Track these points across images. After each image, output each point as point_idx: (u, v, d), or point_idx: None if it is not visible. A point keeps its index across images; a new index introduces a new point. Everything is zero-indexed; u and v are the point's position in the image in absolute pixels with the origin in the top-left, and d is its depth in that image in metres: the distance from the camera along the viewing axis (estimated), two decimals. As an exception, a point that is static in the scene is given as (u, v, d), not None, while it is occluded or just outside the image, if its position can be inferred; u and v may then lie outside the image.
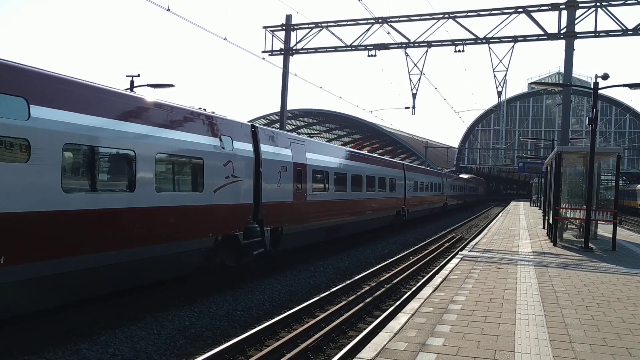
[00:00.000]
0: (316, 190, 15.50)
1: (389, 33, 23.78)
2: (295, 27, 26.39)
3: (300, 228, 14.47)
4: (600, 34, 21.86)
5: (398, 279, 13.41)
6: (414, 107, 26.04)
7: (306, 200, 14.74)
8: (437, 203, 38.09)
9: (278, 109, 29.12)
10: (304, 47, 26.34)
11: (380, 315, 9.88)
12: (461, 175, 60.25)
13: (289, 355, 7.41)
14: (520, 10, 22.72)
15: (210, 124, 10.81)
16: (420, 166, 40.69)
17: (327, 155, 16.88)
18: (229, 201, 11.08)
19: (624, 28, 21.53)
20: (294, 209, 14.06)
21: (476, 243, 16.49)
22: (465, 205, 56.94)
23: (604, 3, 21.46)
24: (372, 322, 9.32)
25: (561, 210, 16.89)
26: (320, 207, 15.87)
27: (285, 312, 9.87)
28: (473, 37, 23.39)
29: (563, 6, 21.99)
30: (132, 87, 19.96)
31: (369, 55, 25.28)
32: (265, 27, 26.84)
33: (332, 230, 17.30)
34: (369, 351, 5.63)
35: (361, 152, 22.60)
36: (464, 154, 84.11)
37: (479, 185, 72.16)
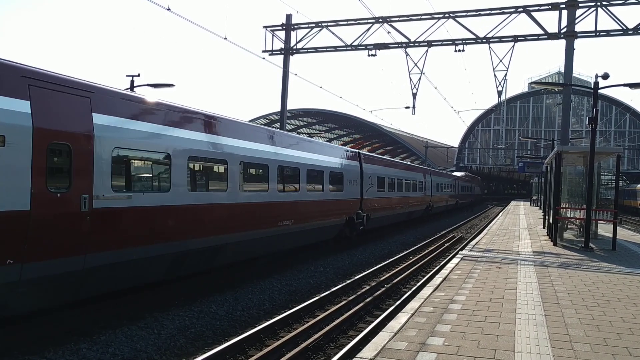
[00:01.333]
0: (134, 188, 8.51)
1: (389, 33, 23.80)
2: (296, 26, 26.38)
3: (64, 265, 7.28)
4: (601, 33, 21.85)
5: (398, 278, 13.41)
6: (414, 106, 26.05)
7: (88, 209, 7.57)
8: (416, 205, 30.47)
9: (278, 109, 29.12)
10: (304, 47, 26.33)
11: (380, 315, 9.88)
12: (454, 173, 54.17)
13: (289, 355, 7.41)
14: (521, 9, 22.71)
15: None
16: (393, 159, 32.31)
17: (173, 125, 9.52)
18: None
19: (624, 28, 21.52)
20: (40, 228, 6.90)
21: (476, 243, 16.49)
22: (457, 207, 50.20)
23: (604, 2, 21.45)
24: (372, 322, 9.32)
25: (561, 209, 16.89)
26: (138, 219, 8.57)
27: (285, 311, 9.88)
28: (473, 36, 23.38)
29: (563, 6, 21.98)
30: (132, 87, 19.95)
31: (369, 55, 25.29)
32: (265, 27, 26.84)
33: (187, 258, 9.83)
34: (369, 351, 5.63)
35: (270, 128, 14.22)
36: (464, 154, 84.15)
37: (475, 184, 66.01)
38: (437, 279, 9.71)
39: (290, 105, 29.03)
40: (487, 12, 23.34)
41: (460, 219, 40.11)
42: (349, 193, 18.42)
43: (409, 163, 33.79)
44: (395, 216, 25.91)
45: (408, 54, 24.77)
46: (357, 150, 20.66)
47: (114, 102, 8.32)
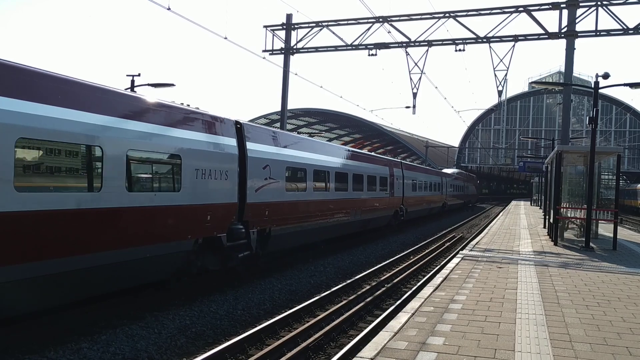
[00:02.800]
0: None
1: (389, 32, 23.80)
2: (296, 26, 26.39)
3: None
4: (601, 33, 21.85)
5: (398, 278, 13.42)
6: (414, 106, 26.05)
7: None
8: (376, 211, 21.88)
9: (279, 109, 29.13)
10: (305, 47, 26.34)
11: (380, 315, 9.88)
12: (444, 170, 46.18)
13: (289, 355, 7.41)
14: (521, 9, 22.70)
15: None
16: (328, 142, 21.46)
17: None
18: None
19: (625, 27, 21.52)
20: None
21: (477, 242, 16.49)
22: (444, 211, 41.77)
23: (604, 2, 21.44)
24: (373, 322, 9.32)
25: (562, 209, 16.89)
26: None
27: (285, 311, 9.89)
28: (474, 36, 23.38)
29: (564, 5, 21.99)
30: (132, 87, 19.97)
31: (369, 55, 25.30)
32: (265, 27, 26.85)
33: None
34: (369, 350, 5.63)
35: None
36: (465, 154, 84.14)
37: (469, 183, 57.82)
38: (438, 279, 9.71)
39: (290, 105, 29.04)
40: (488, 11, 23.34)
41: (461, 218, 40.10)
42: (201, 195, 10.18)
43: (365, 152, 23.13)
44: (328, 229, 16.92)
45: (408, 54, 24.78)
46: (229, 119, 11.54)
47: None
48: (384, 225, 24.47)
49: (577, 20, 21.91)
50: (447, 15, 23.66)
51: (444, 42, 24.13)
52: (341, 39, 25.44)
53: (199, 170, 10.16)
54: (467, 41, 23.55)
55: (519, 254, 13.67)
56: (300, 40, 26.37)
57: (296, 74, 24.38)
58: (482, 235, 19.25)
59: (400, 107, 42.03)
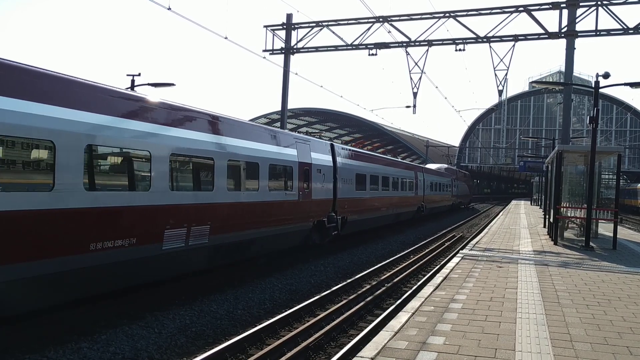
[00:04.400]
0: None
1: (389, 32, 23.80)
2: (296, 26, 26.38)
3: None
4: (601, 32, 21.84)
5: (399, 277, 13.41)
6: (414, 106, 26.02)
7: None
8: (275, 224, 13.31)
9: (279, 108, 29.12)
10: (305, 46, 26.33)
11: (381, 314, 9.88)
12: (428, 165, 39.63)
13: (289, 354, 7.41)
14: (521, 9, 22.69)
15: None
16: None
17: None
18: None
19: (625, 27, 21.50)
20: None
21: (477, 242, 16.49)
22: (421, 216, 32.46)
23: (604, 2, 21.43)
24: (373, 321, 9.32)
25: (562, 209, 16.89)
26: None
27: (286, 310, 9.88)
28: (474, 36, 23.37)
29: (564, 5, 21.98)
30: (132, 86, 19.97)
31: (369, 54, 25.30)
32: (266, 26, 26.85)
33: None
34: (369, 350, 5.63)
35: None
36: (465, 153, 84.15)
37: (460, 181, 49.48)
38: (438, 278, 9.71)
39: (291, 105, 29.03)
40: (488, 11, 23.32)
41: (461, 218, 40.10)
42: None
43: (230, 117, 11.81)
44: (110, 269, 8.18)
45: (409, 54, 24.77)
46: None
47: None
48: (297, 245, 15.54)
49: (577, 20, 21.89)
50: (447, 15, 23.65)
51: (444, 42, 24.11)
52: (341, 39, 25.45)
53: None
54: (467, 41, 23.54)
55: (519, 254, 13.67)
56: (301, 40, 26.37)
57: (296, 74, 24.37)
58: (482, 234, 19.25)
59: (400, 106, 41.77)
